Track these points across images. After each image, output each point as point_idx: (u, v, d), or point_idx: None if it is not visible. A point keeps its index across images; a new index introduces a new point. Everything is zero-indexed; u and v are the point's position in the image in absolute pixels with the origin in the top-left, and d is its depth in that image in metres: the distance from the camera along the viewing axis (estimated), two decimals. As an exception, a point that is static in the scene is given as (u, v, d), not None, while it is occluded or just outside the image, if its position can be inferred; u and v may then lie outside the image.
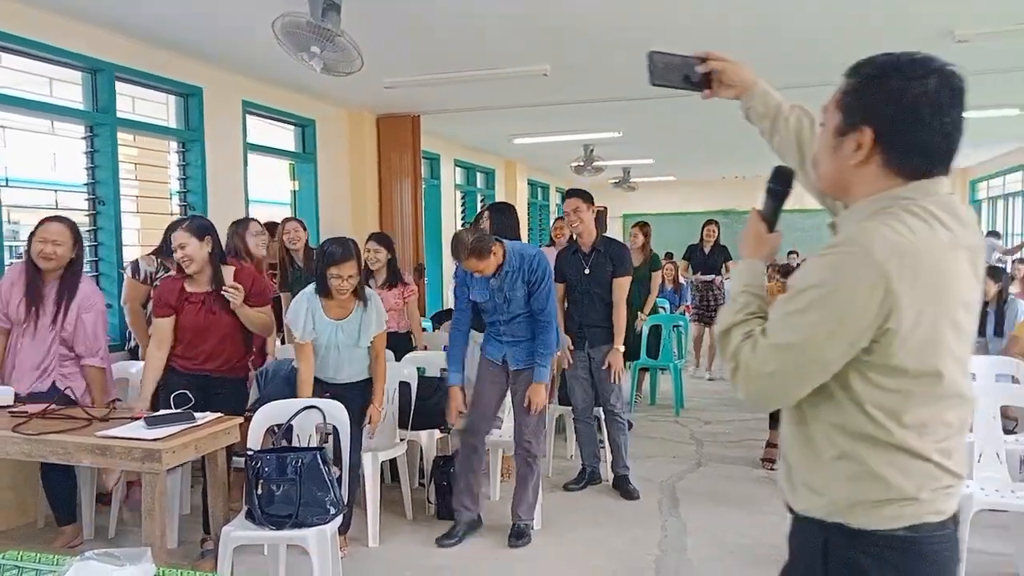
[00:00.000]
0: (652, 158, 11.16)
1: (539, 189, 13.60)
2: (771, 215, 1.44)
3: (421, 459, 4.38)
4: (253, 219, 4.67)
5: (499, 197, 11.59)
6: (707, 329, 7.77)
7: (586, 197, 4.40)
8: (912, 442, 1.23)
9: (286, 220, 5.24)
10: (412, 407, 4.10)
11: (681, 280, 8.41)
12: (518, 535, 3.72)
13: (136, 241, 5.03)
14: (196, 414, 2.90)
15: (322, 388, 3.60)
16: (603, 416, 4.55)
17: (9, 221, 4.31)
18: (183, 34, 4.71)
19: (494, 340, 3.77)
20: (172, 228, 4.53)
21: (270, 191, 7.28)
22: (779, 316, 1.26)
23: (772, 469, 4.84)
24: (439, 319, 6.92)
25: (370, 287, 4.91)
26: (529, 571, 3.48)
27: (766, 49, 5.18)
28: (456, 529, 3.75)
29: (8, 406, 3.10)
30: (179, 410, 2.91)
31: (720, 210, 13.37)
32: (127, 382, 4.12)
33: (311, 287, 3.59)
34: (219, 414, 2.96)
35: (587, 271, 4.41)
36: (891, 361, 1.20)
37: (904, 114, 1.23)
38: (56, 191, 4.63)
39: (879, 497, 1.24)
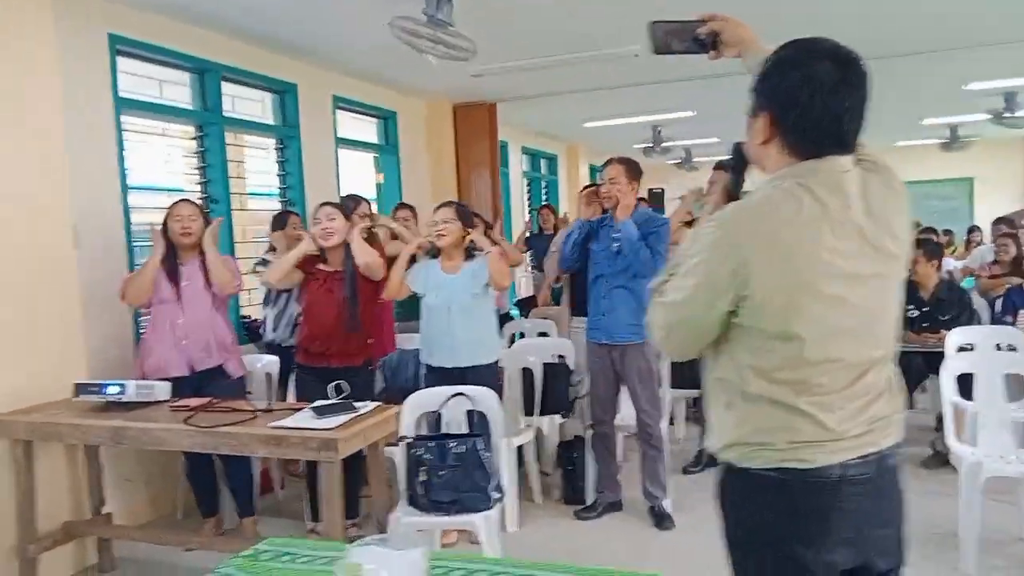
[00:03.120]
0: (717, 136, 10.99)
1: (599, 174, 13.52)
2: (734, 187, 1.56)
3: (542, 445, 4.41)
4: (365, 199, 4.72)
5: (562, 183, 11.54)
6: None
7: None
8: (782, 397, 1.35)
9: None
10: (537, 393, 4.12)
11: None
12: (660, 517, 3.74)
13: (240, 237, 5.13)
14: (355, 403, 2.95)
15: (440, 377, 3.49)
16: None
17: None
18: (280, 31, 4.75)
19: (596, 317, 3.79)
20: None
21: (357, 185, 7.35)
22: (672, 279, 1.43)
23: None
24: (524, 306, 6.95)
25: None
26: (666, 552, 3.48)
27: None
28: (597, 504, 3.87)
29: (167, 400, 3.20)
30: (339, 399, 2.95)
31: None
32: (251, 375, 4.22)
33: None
34: (378, 403, 3.01)
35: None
36: (756, 324, 1.35)
37: (791, 100, 1.34)
38: (169, 193, 4.72)
39: (747, 440, 1.40)
